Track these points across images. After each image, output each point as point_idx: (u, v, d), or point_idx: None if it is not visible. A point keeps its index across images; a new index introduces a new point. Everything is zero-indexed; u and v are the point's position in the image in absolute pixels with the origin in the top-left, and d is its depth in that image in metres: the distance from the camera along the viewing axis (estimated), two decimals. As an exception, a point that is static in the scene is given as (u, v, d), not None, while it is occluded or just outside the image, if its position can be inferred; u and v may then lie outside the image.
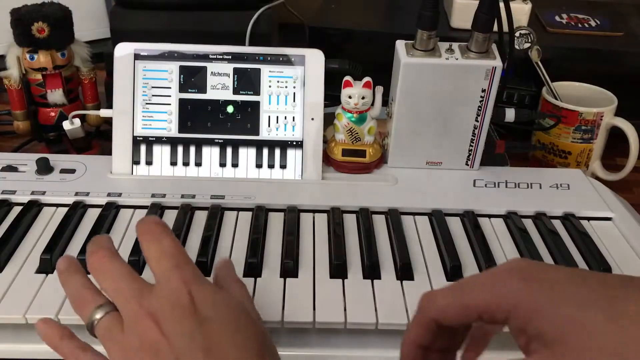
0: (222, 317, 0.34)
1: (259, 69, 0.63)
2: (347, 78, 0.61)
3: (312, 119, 0.63)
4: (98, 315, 0.35)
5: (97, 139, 0.74)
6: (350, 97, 0.61)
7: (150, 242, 0.36)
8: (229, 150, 0.62)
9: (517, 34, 0.72)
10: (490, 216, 0.58)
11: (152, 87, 0.62)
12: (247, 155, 0.62)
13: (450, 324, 0.33)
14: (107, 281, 0.36)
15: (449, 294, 0.33)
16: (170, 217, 0.56)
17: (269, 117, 0.63)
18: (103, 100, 0.73)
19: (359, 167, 0.64)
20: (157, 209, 0.56)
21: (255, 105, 0.63)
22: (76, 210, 0.56)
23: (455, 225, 0.57)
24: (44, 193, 0.58)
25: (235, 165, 0.62)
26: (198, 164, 0.62)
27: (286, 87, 0.63)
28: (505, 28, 0.66)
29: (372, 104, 0.62)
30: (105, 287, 0.36)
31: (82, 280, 0.38)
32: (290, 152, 0.62)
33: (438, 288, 0.33)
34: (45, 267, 0.49)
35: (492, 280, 0.31)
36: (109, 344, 0.34)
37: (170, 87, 0.62)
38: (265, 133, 0.63)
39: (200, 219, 0.56)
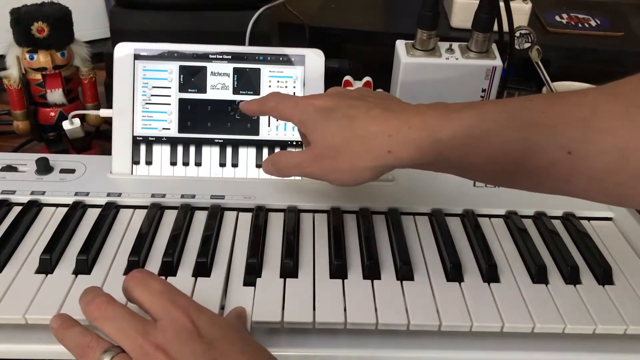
0: (226, 336, 0.36)
1: (259, 69, 0.63)
2: (347, 78, 0.61)
3: (312, 119, 0.63)
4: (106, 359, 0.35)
5: (97, 139, 0.74)
6: (350, 97, 0.61)
7: (138, 289, 0.38)
8: (229, 150, 0.62)
9: (517, 34, 0.72)
10: (490, 216, 0.58)
11: (152, 87, 0.62)
12: (247, 155, 0.62)
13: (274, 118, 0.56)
14: (110, 325, 0.37)
15: (277, 101, 0.50)
16: (170, 217, 0.56)
17: (269, 117, 0.63)
18: (103, 100, 0.73)
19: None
20: (157, 209, 0.56)
21: (255, 105, 0.63)
22: (76, 210, 0.56)
23: (455, 225, 0.57)
24: (43, 193, 0.58)
25: (235, 165, 0.62)
26: (198, 163, 0.62)
27: (286, 87, 0.63)
28: (506, 28, 0.66)
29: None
30: (110, 332, 0.37)
31: (81, 330, 0.38)
32: (290, 152, 0.62)
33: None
34: (45, 267, 0.49)
35: (301, 102, 0.49)
36: None
37: (170, 87, 0.62)
38: (265, 133, 0.63)
39: (200, 219, 0.56)
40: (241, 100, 0.62)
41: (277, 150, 0.62)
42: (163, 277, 0.49)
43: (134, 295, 0.38)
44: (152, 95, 0.62)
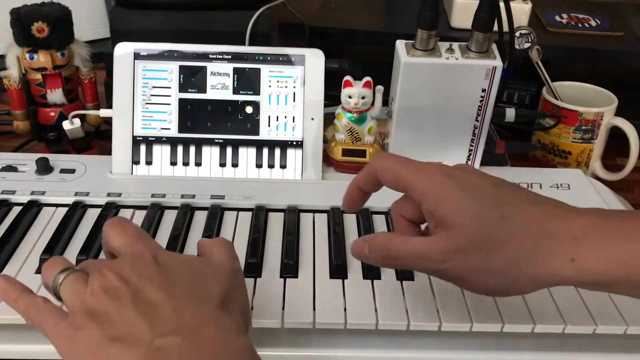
0: (181, 268, 0.36)
1: (259, 69, 0.63)
2: (347, 78, 0.61)
3: (312, 118, 0.63)
4: (62, 276, 0.35)
5: (97, 139, 0.74)
6: (350, 97, 0.61)
7: (114, 231, 0.38)
8: (229, 150, 0.62)
9: (517, 34, 0.72)
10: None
11: (152, 87, 0.62)
12: (247, 155, 0.62)
13: (383, 183, 0.40)
14: (84, 262, 0.38)
15: (395, 161, 0.39)
16: (170, 217, 0.56)
17: (269, 117, 0.63)
18: (103, 100, 0.73)
19: (359, 167, 0.62)
20: (157, 209, 0.56)
21: (255, 105, 0.63)
22: (76, 210, 0.56)
23: (455, 225, 0.57)
24: (43, 193, 0.58)
25: (235, 165, 0.62)
26: (198, 164, 0.62)
27: (286, 87, 0.63)
28: (506, 28, 0.66)
29: (372, 104, 0.62)
30: (81, 264, 0.37)
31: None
32: (290, 152, 0.62)
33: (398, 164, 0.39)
34: (45, 267, 0.49)
35: (425, 167, 0.38)
36: (71, 298, 0.34)
37: (170, 87, 0.62)
38: (265, 133, 0.63)
39: (200, 219, 0.56)
40: (242, 101, 0.62)
41: (277, 150, 0.62)
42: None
43: (109, 238, 0.38)
44: (152, 95, 0.62)
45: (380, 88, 0.62)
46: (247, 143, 0.63)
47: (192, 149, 0.62)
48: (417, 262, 0.37)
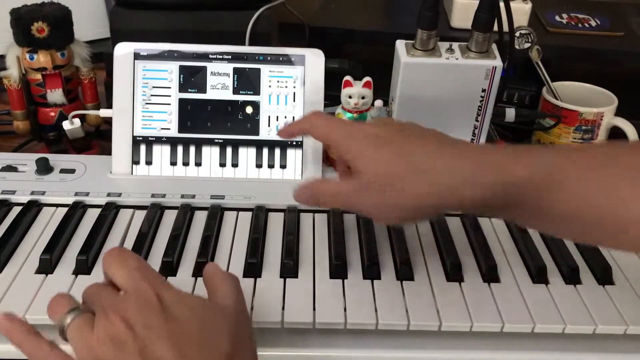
0: (189, 315, 0.35)
1: (259, 69, 0.63)
2: (347, 78, 0.61)
3: (312, 119, 0.63)
4: (69, 318, 0.35)
5: (97, 139, 0.74)
6: (350, 97, 0.61)
7: (114, 265, 0.38)
8: (229, 150, 0.62)
9: (517, 34, 0.72)
10: (490, 216, 0.58)
11: (152, 87, 0.62)
12: (247, 155, 0.62)
13: (315, 139, 0.47)
14: (86, 290, 0.38)
15: (324, 122, 0.46)
16: (170, 217, 0.56)
17: (269, 117, 0.63)
18: (103, 100, 0.73)
19: (359, 167, 0.63)
20: (157, 209, 0.56)
21: (255, 105, 0.63)
22: (76, 210, 0.56)
23: (455, 225, 0.56)
24: (43, 193, 0.58)
25: (235, 165, 0.62)
26: (198, 164, 0.62)
27: (286, 87, 0.63)
28: (506, 28, 0.66)
29: (372, 104, 0.62)
30: (84, 295, 0.38)
31: (60, 293, 0.39)
32: (290, 152, 0.62)
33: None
34: (45, 267, 0.49)
35: (348, 128, 0.44)
36: (78, 343, 0.34)
37: (170, 87, 0.62)
38: (265, 133, 0.63)
39: (200, 219, 0.56)
40: (242, 101, 0.62)
41: (277, 150, 0.62)
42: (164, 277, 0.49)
43: (110, 271, 0.38)
44: (152, 95, 0.62)
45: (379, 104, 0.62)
46: (247, 143, 0.63)
47: (192, 149, 0.62)
48: (334, 200, 0.45)
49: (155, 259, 0.51)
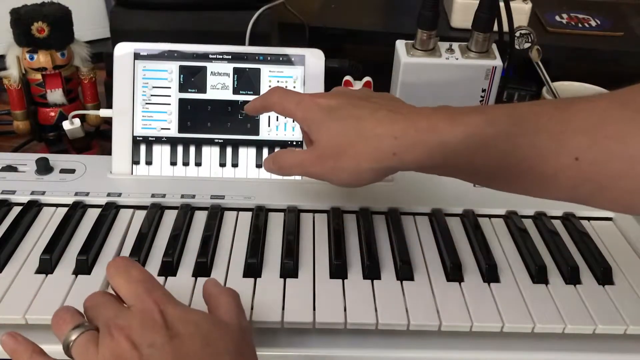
0: (192, 333, 0.35)
1: (259, 69, 0.63)
2: (347, 78, 0.61)
3: (312, 119, 0.63)
4: (73, 336, 0.36)
5: (97, 139, 0.74)
6: (350, 97, 0.61)
7: (119, 276, 0.38)
8: (229, 150, 0.62)
9: (517, 34, 0.72)
10: (490, 216, 0.58)
11: (152, 87, 0.62)
12: (247, 155, 0.62)
13: (275, 112, 0.51)
14: (88, 303, 0.38)
15: (280, 97, 0.49)
16: (170, 217, 0.56)
17: (269, 117, 0.63)
18: (103, 100, 0.73)
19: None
20: (157, 209, 0.56)
21: (255, 105, 0.63)
22: (76, 210, 0.56)
23: (455, 225, 0.57)
24: (43, 193, 0.58)
25: (235, 165, 0.62)
26: (198, 164, 0.62)
27: (286, 86, 0.63)
28: (505, 28, 0.66)
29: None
30: (85, 308, 0.38)
31: (65, 306, 0.39)
32: (290, 152, 0.62)
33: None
34: (45, 267, 0.49)
35: (302, 100, 0.48)
36: None
37: (170, 87, 0.62)
38: (265, 133, 0.63)
39: (200, 219, 0.56)
40: (242, 101, 0.62)
41: (277, 150, 0.62)
42: (162, 277, 0.49)
43: (114, 281, 0.38)
44: (152, 95, 0.62)
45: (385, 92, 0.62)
46: (247, 143, 0.63)
47: (192, 149, 0.62)
48: (297, 169, 0.49)
49: (155, 259, 0.51)
